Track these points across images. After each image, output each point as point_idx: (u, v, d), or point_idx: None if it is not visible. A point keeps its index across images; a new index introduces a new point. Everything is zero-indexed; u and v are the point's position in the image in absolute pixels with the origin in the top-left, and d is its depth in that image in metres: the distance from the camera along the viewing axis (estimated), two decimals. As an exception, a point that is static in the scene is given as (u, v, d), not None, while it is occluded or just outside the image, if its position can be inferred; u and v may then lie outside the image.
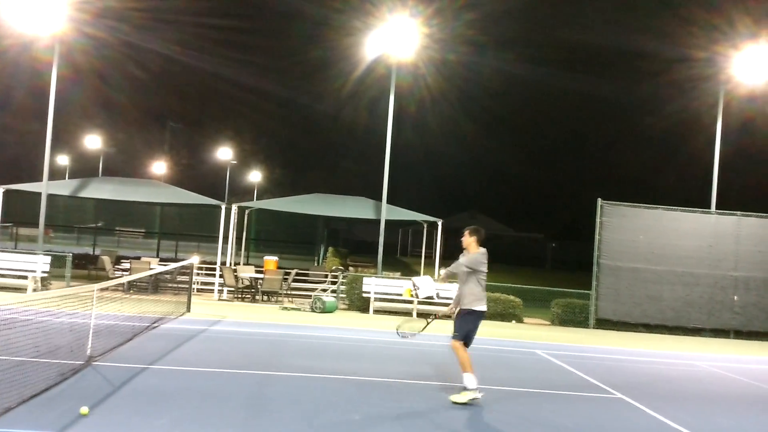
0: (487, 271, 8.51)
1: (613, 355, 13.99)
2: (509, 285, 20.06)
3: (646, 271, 18.63)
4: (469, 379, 8.23)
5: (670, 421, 8.19)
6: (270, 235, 35.21)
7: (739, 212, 19.19)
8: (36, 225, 19.53)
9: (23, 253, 18.66)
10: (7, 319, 7.47)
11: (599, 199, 18.85)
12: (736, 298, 18.73)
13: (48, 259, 17.44)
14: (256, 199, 44.38)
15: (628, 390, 9.87)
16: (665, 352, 14.90)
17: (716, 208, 19.53)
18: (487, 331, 16.37)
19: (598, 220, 18.71)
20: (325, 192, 24.73)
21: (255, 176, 55.54)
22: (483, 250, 8.54)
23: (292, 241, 35.30)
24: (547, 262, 69.37)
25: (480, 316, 8.46)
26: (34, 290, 16.66)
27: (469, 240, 8.56)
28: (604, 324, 18.42)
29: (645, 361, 13.50)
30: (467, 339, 8.46)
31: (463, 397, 8.21)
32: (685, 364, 13.45)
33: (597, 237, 18.70)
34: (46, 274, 17.35)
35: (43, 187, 18.86)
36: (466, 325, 8.43)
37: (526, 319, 19.05)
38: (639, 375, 11.70)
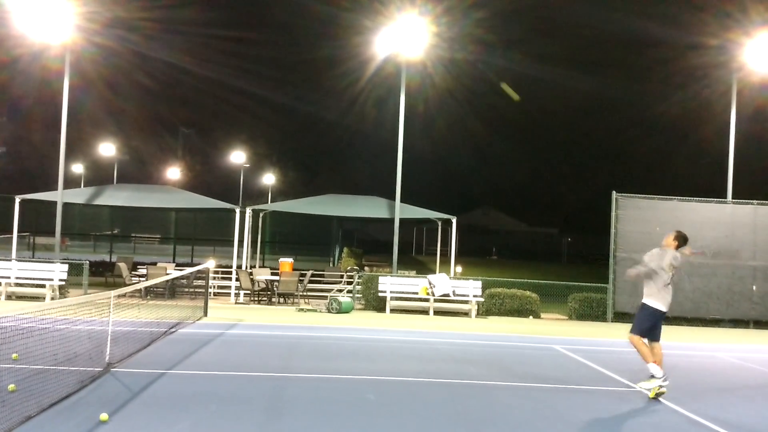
0: (666, 270, 8.86)
1: (632, 349, 13.80)
2: (525, 280, 19.98)
3: (663, 263, 18.41)
4: (654, 369, 8.69)
5: (691, 413, 8.13)
6: (285, 237, 35.31)
7: (755, 201, 18.98)
8: (52, 234, 19.66)
9: (40, 261, 18.82)
10: (25, 328, 7.52)
11: (614, 192, 18.69)
12: (755, 288, 18.54)
13: (65, 267, 17.53)
14: (270, 202, 44.52)
15: (648, 383, 9.79)
16: (684, 344, 14.77)
17: (731, 197, 19.34)
18: (504, 327, 16.36)
19: (613, 213, 18.56)
20: (337, 192, 24.73)
21: (268, 179, 55.71)
22: (671, 252, 8.94)
23: (306, 242, 35.36)
24: (563, 256, 69.18)
25: (653, 313, 8.88)
26: (52, 298, 16.78)
27: (669, 240, 9.12)
28: (622, 317, 18.27)
29: (664, 354, 13.35)
30: (650, 335, 8.99)
31: (649, 384, 8.69)
32: (704, 356, 13.35)
33: (613, 230, 18.54)
34: (63, 282, 17.44)
35: (59, 195, 18.98)
36: (640, 321, 8.96)
37: (543, 315, 18.99)
38: (658, 368, 11.60)
